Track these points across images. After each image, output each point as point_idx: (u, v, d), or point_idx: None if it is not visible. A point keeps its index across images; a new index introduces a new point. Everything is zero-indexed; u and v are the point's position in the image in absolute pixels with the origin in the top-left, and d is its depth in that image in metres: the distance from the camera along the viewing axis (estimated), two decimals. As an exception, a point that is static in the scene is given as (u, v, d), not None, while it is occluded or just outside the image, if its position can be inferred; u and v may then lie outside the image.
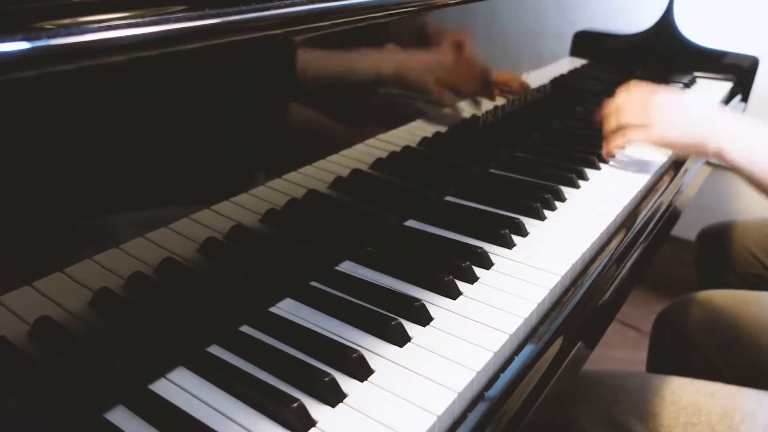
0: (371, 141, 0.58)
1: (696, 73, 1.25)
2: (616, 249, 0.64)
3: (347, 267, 0.56)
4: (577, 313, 0.54)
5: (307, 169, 0.53)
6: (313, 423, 0.39)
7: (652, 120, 0.72)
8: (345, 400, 0.41)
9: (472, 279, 0.55)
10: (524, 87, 0.83)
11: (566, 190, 0.73)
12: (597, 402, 0.61)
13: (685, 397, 0.60)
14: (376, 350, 0.46)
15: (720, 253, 1.05)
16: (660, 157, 0.84)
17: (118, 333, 0.41)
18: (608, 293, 0.59)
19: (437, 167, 0.71)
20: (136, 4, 0.36)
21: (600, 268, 0.60)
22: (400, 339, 0.46)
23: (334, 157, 0.55)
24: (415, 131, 0.64)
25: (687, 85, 1.18)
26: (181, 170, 0.43)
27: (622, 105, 0.76)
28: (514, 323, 0.49)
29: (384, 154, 0.60)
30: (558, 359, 0.49)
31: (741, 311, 0.79)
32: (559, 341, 0.50)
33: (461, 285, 0.53)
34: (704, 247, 1.10)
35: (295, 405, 0.39)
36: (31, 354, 0.37)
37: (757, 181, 0.66)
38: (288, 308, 0.51)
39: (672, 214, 0.78)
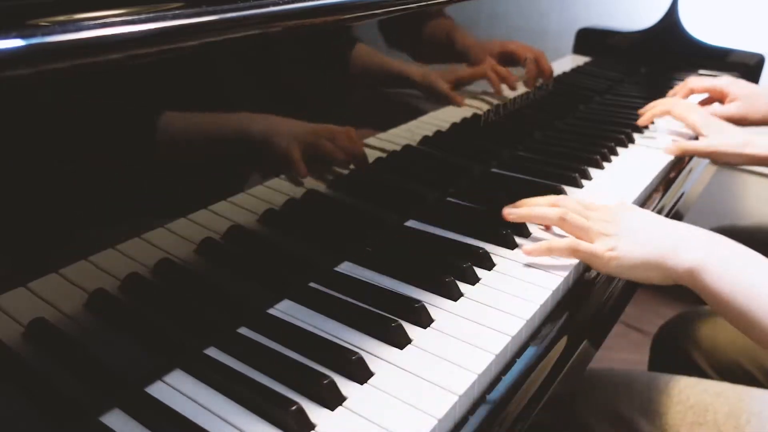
0: (371, 140, 0.58)
1: (701, 71, 1.24)
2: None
3: (347, 268, 0.56)
4: (580, 315, 0.53)
5: (307, 169, 0.52)
6: (312, 426, 0.39)
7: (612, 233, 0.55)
8: (344, 403, 0.41)
9: (473, 280, 0.54)
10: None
11: (569, 190, 0.72)
12: (603, 400, 0.61)
13: (692, 396, 0.60)
14: (375, 352, 0.45)
15: None
16: (664, 158, 0.83)
17: (114, 335, 0.41)
18: (612, 295, 0.58)
19: (438, 166, 0.71)
20: (133, 1, 0.36)
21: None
22: (401, 341, 0.46)
23: (334, 157, 0.54)
24: (415, 130, 0.63)
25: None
26: (179, 169, 0.42)
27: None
28: (516, 325, 0.48)
29: (384, 153, 0.60)
30: (561, 361, 0.48)
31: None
32: (562, 342, 0.50)
33: (462, 286, 0.53)
34: None
35: (293, 408, 0.39)
36: (26, 356, 0.36)
37: (741, 314, 0.48)
38: (286, 310, 0.50)
39: (676, 215, 0.77)
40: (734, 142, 0.80)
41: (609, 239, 0.54)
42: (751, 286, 0.48)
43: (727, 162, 0.83)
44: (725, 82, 0.97)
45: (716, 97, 0.98)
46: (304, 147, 0.50)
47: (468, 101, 0.70)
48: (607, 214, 0.58)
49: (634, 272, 0.53)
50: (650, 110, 0.92)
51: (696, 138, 0.87)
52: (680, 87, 1.01)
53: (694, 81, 0.99)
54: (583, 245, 0.54)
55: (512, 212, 0.60)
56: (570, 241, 0.55)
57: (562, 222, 0.57)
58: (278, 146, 0.47)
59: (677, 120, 0.90)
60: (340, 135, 0.54)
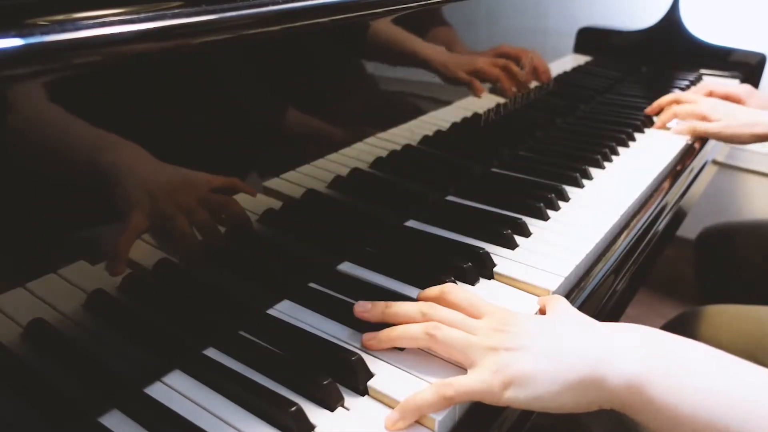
0: (371, 139, 0.58)
1: (702, 71, 1.24)
2: (620, 250, 0.63)
3: (346, 268, 0.56)
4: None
5: (306, 168, 0.52)
6: (311, 427, 0.39)
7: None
8: (344, 404, 0.40)
9: (473, 281, 0.54)
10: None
11: (570, 190, 0.72)
12: None
13: None
14: (375, 353, 0.45)
15: (722, 260, 1.01)
16: (665, 157, 0.83)
17: (113, 335, 0.41)
18: (613, 295, 0.58)
19: (438, 166, 0.70)
20: (132, 0, 0.36)
21: (605, 269, 0.59)
22: (400, 342, 0.46)
23: (334, 156, 0.54)
24: (415, 129, 0.63)
25: (693, 83, 1.17)
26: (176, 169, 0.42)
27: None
28: (517, 326, 0.48)
29: (384, 153, 0.60)
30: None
31: (745, 331, 0.76)
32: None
33: (463, 287, 0.53)
34: (704, 251, 1.05)
35: (293, 409, 0.38)
36: (25, 357, 0.36)
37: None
38: (286, 310, 0.50)
39: (677, 215, 0.77)
40: (743, 122, 0.84)
41: (499, 356, 0.39)
42: (714, 392, 0.36)
43: (738, 142, 0.86)
44: (745, 90, 0.98)
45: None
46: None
47: (468, 100, 0.70)
48: (501, 320, 0.42)
49: (542, 400, 0.38)
50: (660, 103, 0.96)
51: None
52: (699, 88, 1.02)
53: (714, 83, 1.01)
54: (460, 383, 0.39)
55: (372, 345, 0.45)
56: (438, 385, 0.39)
57: (432, 341, 0.42)
58: None
59: (686, 119, 0.91)
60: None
